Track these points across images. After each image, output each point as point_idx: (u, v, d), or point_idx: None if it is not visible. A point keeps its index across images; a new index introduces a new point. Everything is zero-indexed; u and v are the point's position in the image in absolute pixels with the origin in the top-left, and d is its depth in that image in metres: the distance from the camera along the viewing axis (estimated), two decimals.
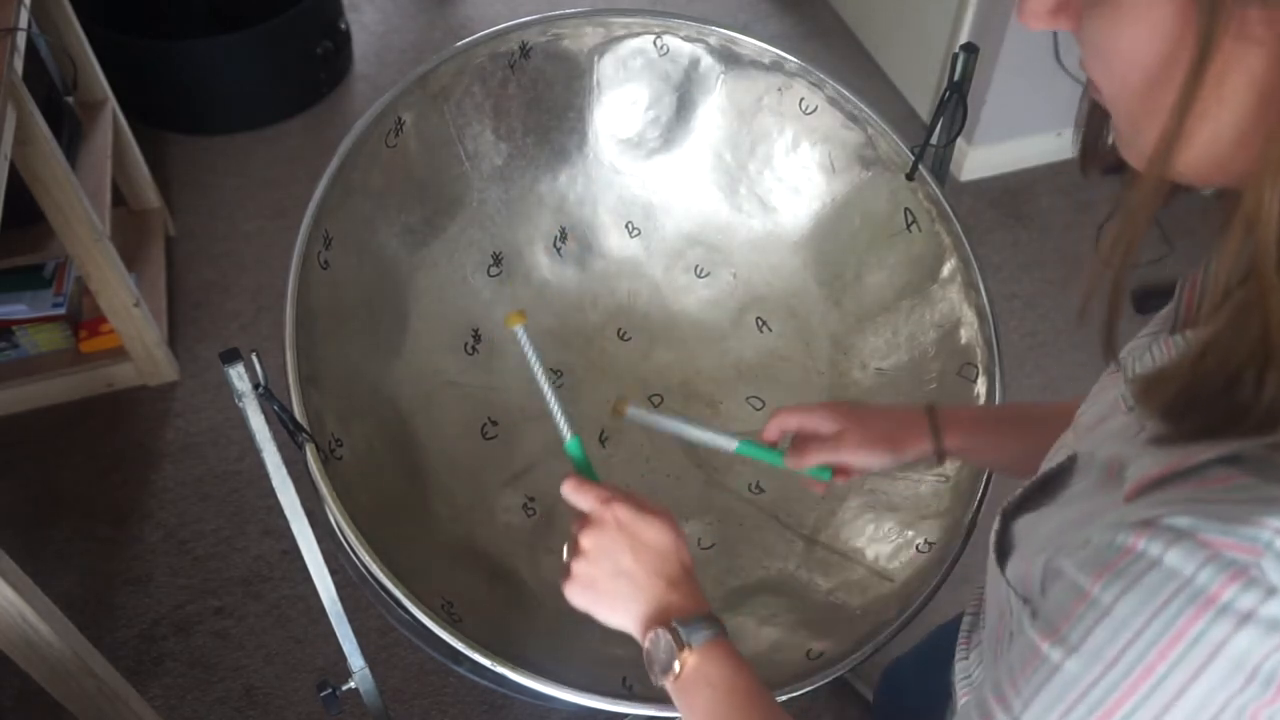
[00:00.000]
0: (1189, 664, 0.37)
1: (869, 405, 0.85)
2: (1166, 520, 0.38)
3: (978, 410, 0.95)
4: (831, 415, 0.83)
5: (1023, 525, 0.55)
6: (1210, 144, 0.40)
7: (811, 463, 0.84)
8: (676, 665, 0.62)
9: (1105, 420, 0.54)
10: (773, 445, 0.87)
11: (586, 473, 0.75)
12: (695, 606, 0.65)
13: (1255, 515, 0.36)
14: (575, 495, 0.69)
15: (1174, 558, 0.37)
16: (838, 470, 0.85)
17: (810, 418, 0.84)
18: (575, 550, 0.68)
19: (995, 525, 0.59)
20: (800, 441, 0.85)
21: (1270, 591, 0.36)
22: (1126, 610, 0.39)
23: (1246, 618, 0.36)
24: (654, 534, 0.66)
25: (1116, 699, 0.39)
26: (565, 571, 0.69)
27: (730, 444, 0.84)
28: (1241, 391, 0.39)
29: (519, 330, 0.79)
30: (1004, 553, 0.56)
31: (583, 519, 0.69)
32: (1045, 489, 0.56)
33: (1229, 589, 0.36)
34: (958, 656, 0.74)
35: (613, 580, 0.66)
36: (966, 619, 0.76)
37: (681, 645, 0.62)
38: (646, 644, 0.64)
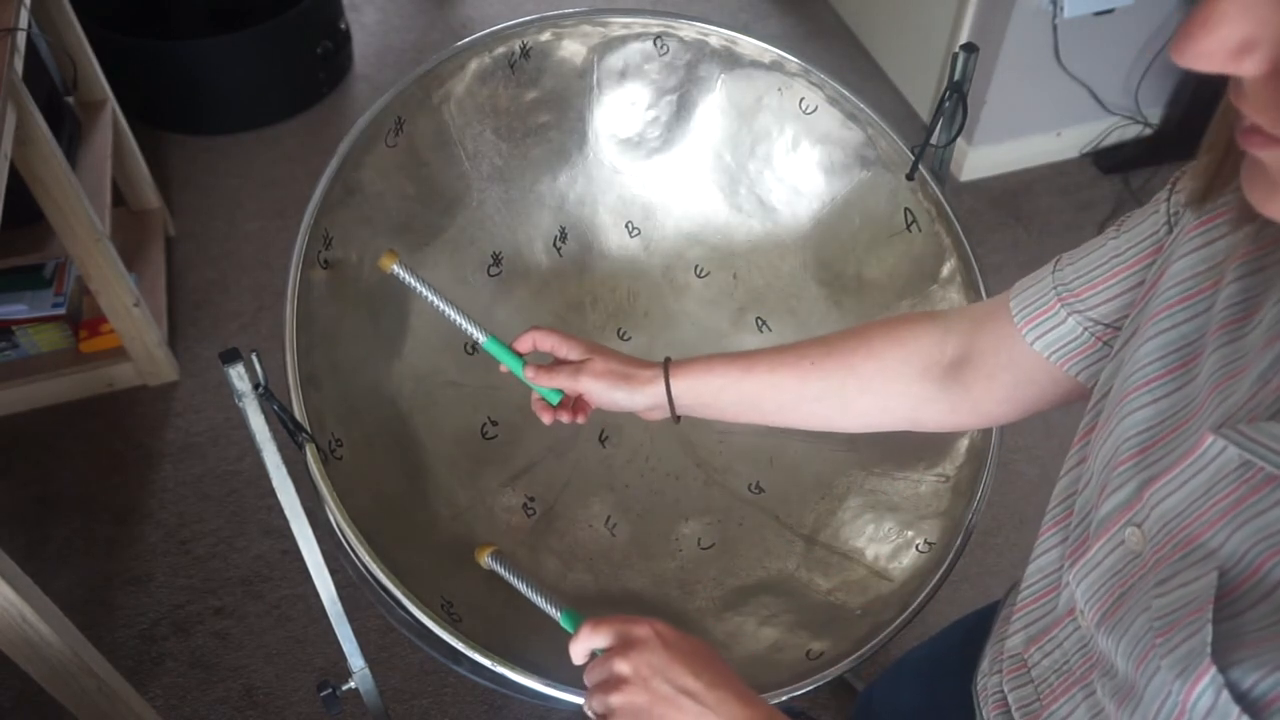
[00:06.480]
0: None
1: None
2: None
3: (714, 355, 0.91)
4: (580, 344, 0.85)
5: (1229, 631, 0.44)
6: None
7: (549, 383, 0.86)
8: None
9: (1214, 501, 0.45)
10: (519, 355, 0.88)
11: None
12: (768, 714, 0.61)
13: None
14: (595, 633, 0.64)
15: None
16: (577, 406, 0.87)
17: (562, 343, 0.85)
18: (615, 683, 0.61)
19: (1210, 684, 0.43)
20: (548, 366, 0.87)
21: None
22: None
23: None
24: (697, 644, 0.62)
25: None
26: (605, 712, 0.62)
27: (481, 336, 0.88)
28: None
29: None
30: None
31: (614, 649, 0.62)
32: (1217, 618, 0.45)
33: None
34: (985, 672, 0.71)
35: (674, 701, 0.60)
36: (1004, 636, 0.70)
37: None
38: None
